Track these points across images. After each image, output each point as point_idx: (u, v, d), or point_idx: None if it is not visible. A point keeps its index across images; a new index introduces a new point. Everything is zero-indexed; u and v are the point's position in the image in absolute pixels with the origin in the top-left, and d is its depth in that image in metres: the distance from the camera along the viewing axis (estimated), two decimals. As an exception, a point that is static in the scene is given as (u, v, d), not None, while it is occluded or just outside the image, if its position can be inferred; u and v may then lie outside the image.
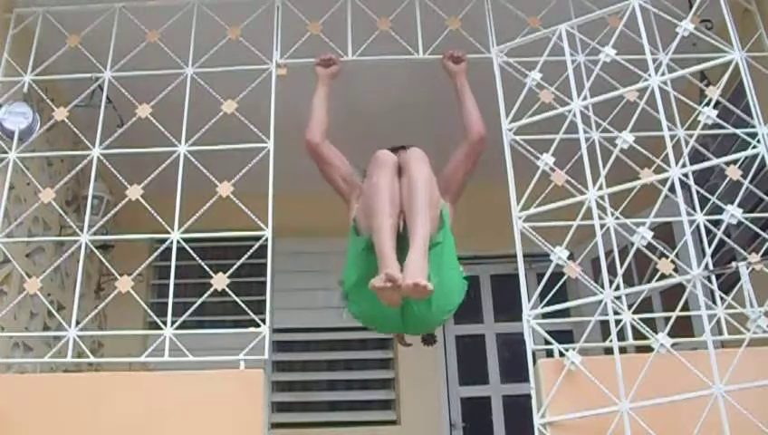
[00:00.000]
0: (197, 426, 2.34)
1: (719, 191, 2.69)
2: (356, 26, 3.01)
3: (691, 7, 3.02)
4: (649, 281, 2.54)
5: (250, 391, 2.37)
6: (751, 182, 2.53)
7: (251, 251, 2.63)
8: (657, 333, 2.27)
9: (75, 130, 2.93)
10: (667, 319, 2.48)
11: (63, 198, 3.81)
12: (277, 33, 2.98)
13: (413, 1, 3.08)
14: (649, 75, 2.51)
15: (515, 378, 4.41)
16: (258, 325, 2.51)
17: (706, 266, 2.37)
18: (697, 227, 2.67)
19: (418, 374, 4.45)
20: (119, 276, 2.60)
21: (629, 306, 2.43)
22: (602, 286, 2.35)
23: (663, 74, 2.51)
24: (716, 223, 2.53)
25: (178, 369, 2.54)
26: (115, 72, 2.95)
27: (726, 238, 2.60)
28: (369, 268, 2.38)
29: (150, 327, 4.06)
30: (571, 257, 2.46)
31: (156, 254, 2.81)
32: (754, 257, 2.60)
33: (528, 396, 2.36)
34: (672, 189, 2.36)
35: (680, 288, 2.53)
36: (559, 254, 2.42)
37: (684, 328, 2.81)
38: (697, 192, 2.77)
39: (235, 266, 2.61)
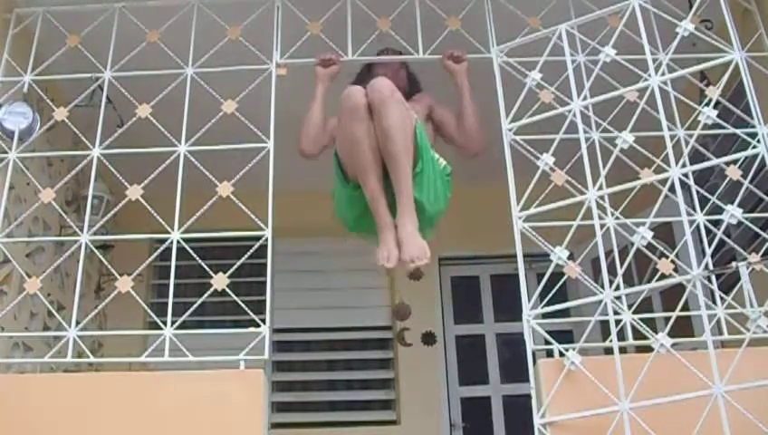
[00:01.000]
0: (197, 426, 2.34)
1: (719, 191, 2.69)
2: (356, 26, 3.01)
3: (691, 7, 3.01)
4: (649, 281, 2.53)
5: (250, 391, 2.37)
6: (751, 182, 2.53)
7: (251, 251, 2.63)
8: (657, 333, 2.26)
9: (75, 130, 2.93)
10: (667, 319, 2.47)
11: (63, 198, 3.81)
12: (277, 33, 2.98)
13: (413, 1, 3.08)
14: (649, 75, 2.50)
15: (515, 378, 4.40)
16: (258, 325, 2.51)
17: (706, 266, 2.37)
18: (697, 227, 2.66)
19: (418, 374, 4.44)
20: (119, 276, 2.60)
21: (629, 306, 2.43)
22: (602, 286, 2.35)
23: (663, 74, 2.51)
24: (716, 223, 2.52)
25: (178, 369, 2.54)
26: (115, 72, 2.95)
27: (726, 238, 2.60)
28: (365, 203, 2.66)
29: (150, 327, 4.05)
30: (570, 257, 2.46)
31: (156, 254, 2.81)
32: (754, 257, 2.60)
33: (528, 396, 2.35)
34: (672, 189, 2.36)
35: (680, 288, 2.53)
36: (559, 254, 2.42)
37: (684, 328, 2.81)
38: (697, 192, 2.77)
39: (235, 266, 2.60)
